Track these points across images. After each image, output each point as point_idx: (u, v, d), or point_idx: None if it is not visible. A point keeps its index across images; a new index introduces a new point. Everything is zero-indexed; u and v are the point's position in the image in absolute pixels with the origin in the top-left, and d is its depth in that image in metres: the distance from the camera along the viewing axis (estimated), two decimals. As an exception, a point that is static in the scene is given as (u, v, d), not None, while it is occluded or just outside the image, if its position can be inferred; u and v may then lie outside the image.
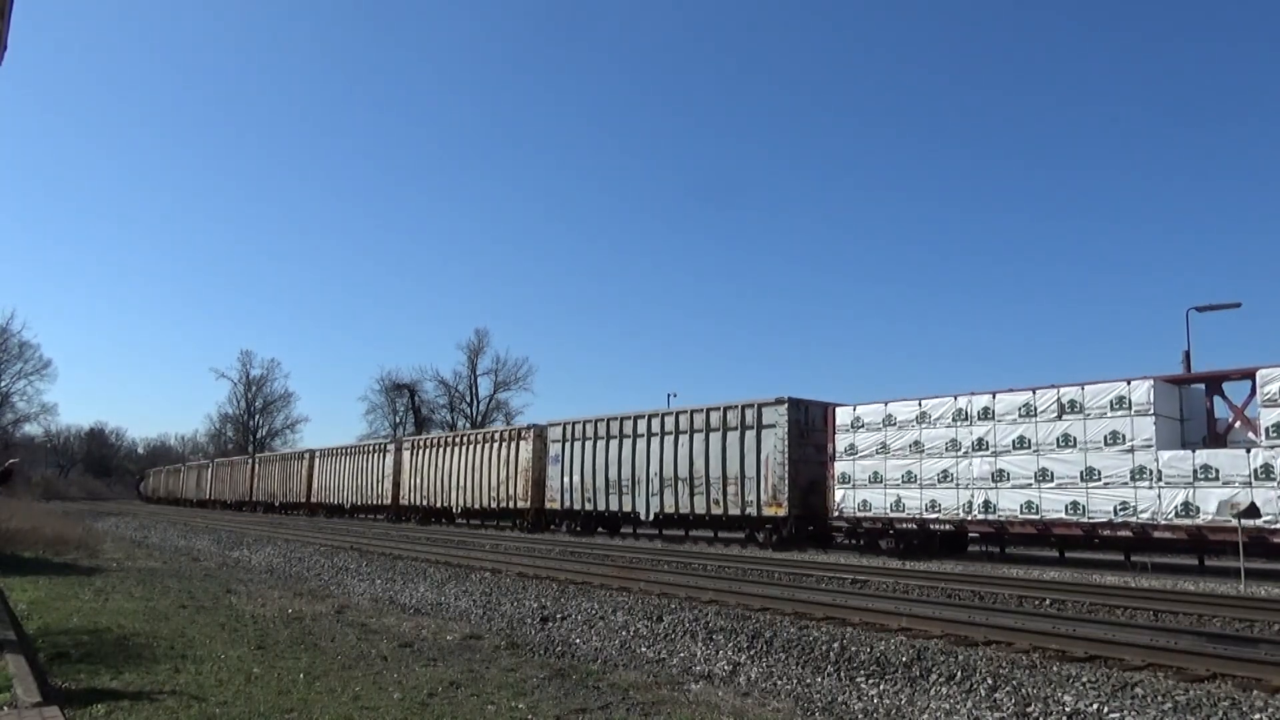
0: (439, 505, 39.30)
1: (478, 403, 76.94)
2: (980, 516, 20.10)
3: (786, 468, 24.20)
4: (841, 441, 23.16)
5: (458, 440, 39.12)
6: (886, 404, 22.32)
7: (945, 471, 20.85)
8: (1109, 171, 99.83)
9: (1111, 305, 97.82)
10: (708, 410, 26.76)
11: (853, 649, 8.55)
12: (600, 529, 31.47)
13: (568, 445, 31.95)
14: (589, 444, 31.05)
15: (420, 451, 41.58)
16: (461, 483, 37.57)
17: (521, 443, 34.48)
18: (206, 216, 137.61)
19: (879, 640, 8.94)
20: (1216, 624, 10.49)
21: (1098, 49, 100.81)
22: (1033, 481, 19.22)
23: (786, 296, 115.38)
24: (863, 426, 22.73)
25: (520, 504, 33.84)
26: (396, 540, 25.85)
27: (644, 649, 9.43)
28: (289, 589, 14.63)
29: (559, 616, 11.24)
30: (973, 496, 20.25)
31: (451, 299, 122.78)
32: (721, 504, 25.80)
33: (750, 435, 25.33)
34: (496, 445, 35.88)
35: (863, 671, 7.90)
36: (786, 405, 24.57)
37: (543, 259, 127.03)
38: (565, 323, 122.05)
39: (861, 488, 22.52)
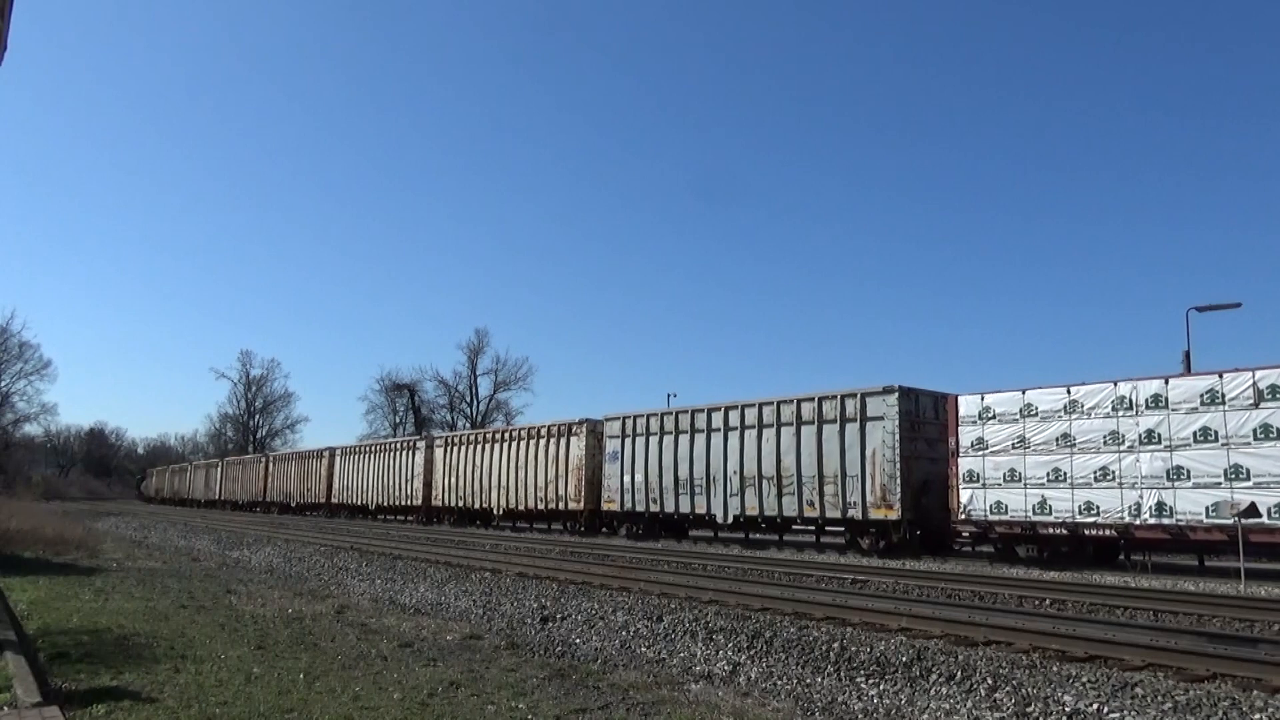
0: (477, 506, 36.48)
1: (478, 403, 77.00)
2: (1152, 520, 17.53)
3: (897, 465, 21.53)
4: (967, 435, 20.51)
5: (499, 436, 36.25)
6: (1024, 392, 19.87)
7: (1104, 469, 18.34)
8: (1109, 172, 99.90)
9: (1111, 305, 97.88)
10: (798, 401, 24.05)
11: (853, 649, 8.55)
12: (665, 532, 28.53)
13: (628, 441, 29.24)
14: (654, 439, 28.34)
15: (455, 449, 38.67)
16: (504, 482, 34.86)
17: (573, 439, 31.78)
18: (207, 216, 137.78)
19: (879, 640, 8.94)
20: (1216, 624, 10.49)
21: (1097, 49, 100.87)
22: (1221, 480, 16.78)
23: (787, 296, 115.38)
24: (994, 418, 20.14)
25: (572, 505, 31.29)
26: (396, 540, 25.85)
27: (644, 649, 9.43)
28: (289, 589, 14.63)
29: (559, 616, 11.24)
30: (1141, 497, 17.76)
31: (451, 299, 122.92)
32: (817, 506, 23.08)
33: (853, 429, 22.64)
34: (544, 441, 33.04)
35: (863, 671, 7.90)
36: (897, 395, 21.84)
37: (543, 259, 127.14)
38: (565, 323, 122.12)
39: (994, 487, 19.87)
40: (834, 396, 23.23)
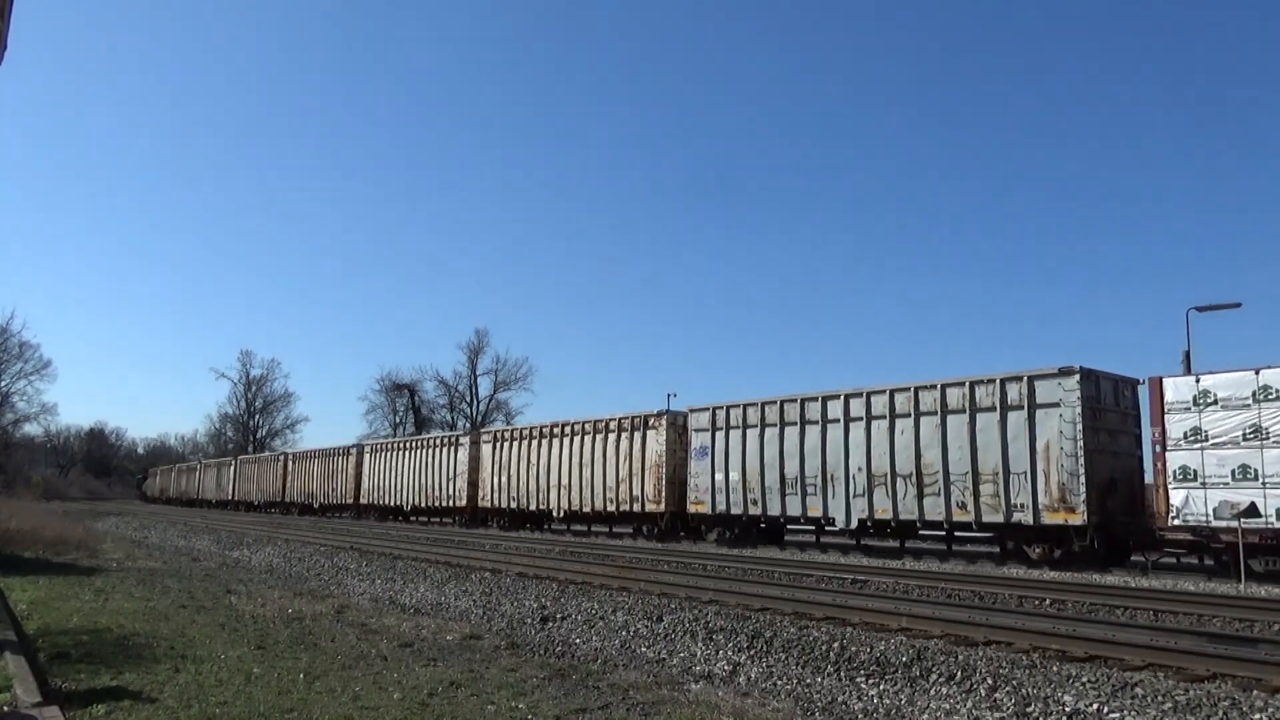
0: (533, 508, 33.09)
1: (478, 403, 76.99)
2: None
3: (1080, 460, 18.28)
4: (1178, 424, 17.46)
5: (560, 430, 32.50)
6: (1259, 372, 16.79)
7: None
8: (1109, 172, 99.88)
9: (1111, 305, 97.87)
10: (942, 386, 20.86)
11: (853, 649, 8.55)
12: (763, 538, 25.40)
13: (719, 435, 25.86)
14: (752, 432, 24.91)
15: (506, 445, 35.07)
16: (566, 480, 31.40)
17: (650, 432, 28.31)
18: (206, 217, 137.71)
19: (879, 640, 8.94)
20: (1216, 624, 10.49)
21: (1097, 49, 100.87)
22: None
23: (786, 297, 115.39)
24: (1215, 403, 17.13)
25: (650, 506, 27.85)
26: (396, 540, 25.85)
27: (644, 649, 9.43)
28: (289, 589, 14.63)
29: (559, 616, 11.24)
30: None
31: (451, 299, 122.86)
32: (970, 508, 19.84)
33: (1017, 418, 19.37)
34: (615, 435, 29.57)
35: (863, 671, 7.90)
36: (1078, 378, 18.59)
37: (543, 259, 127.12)
38: (565, 323, 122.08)
39: (1218, 487, 16.79)
40: (990, 380, 20.00)
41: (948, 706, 6.90)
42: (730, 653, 8.91)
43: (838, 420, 22.94)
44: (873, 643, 8.79)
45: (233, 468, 65.36)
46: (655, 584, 13.97)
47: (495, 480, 35.54)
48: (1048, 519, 18.68)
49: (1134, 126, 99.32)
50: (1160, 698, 6.60)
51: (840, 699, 7.28)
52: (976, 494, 19.87)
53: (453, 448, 38.85)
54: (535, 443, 33.57)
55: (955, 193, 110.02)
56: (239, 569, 18.68)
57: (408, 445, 43.22)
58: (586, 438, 30.95)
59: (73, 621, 10.17)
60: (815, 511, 23.21)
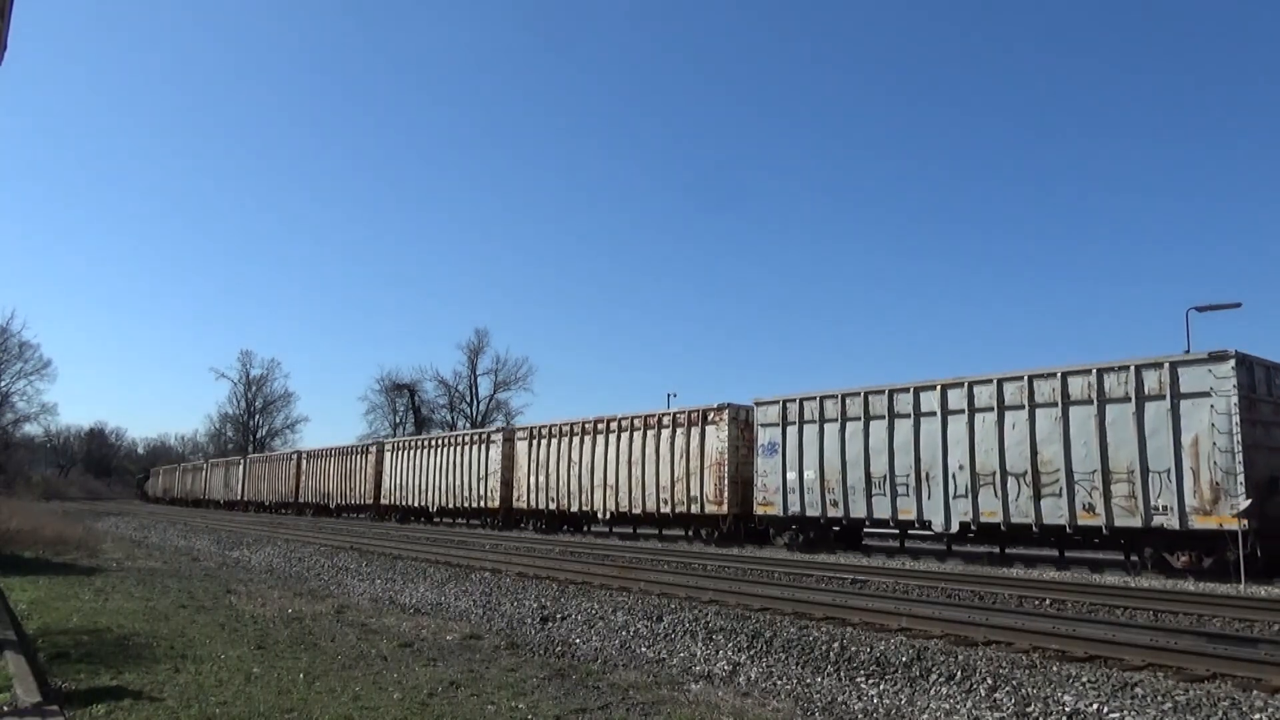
0: (575, 509, 31.18)
1: (478, 403, 77.00)
2: None
3: (1237, 458, 16.27)
4: None
5: (606, 427, 30.24)
6: None
7: None
8: (1108, 172, 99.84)
9: (1112, 305, 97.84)
10: (1063, 374, 18.65)
11: (853, 649, 8.55)
12: (840, 542, 23.15)
13: (791, 430, 23.72)
14: (831, 427, 22.85)
15: (543, 442, 33.03)
16: (613, 480, 29.46)
17: (710, 428, 26.34)
18: (206, 217, 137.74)
19: (879, 640, 8.94)
20: (1216, 624, 10.49)
21: (1096, 50, 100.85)
22: None
23: (785, 297, 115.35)
24: None
25: (711, 508, 25.91)
26: (396, 540, 25.85)
27: (644, 649, 9.43)
28: (289, 589, 14.63)
29: (559, 616, 11.24)
30: None
31: (451, 299, 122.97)
32: (1099, 510, 17.73)
33: (1156, 409, 17.36)
34: (669, 431, 27.49)
35: (863, 671, 7.90)
36: (1233, 364, 16.59)
37: (542, 259, 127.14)
38: (565, 323, 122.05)
39: None
40: (1123, 368, 17.87)
41: (948, 706, 6.90)
42: (730, 653, 8.91)
43: (933, 413, 20.71)
44: (873, 643, 8.79)
45: (241, 467, 63.46)
46: (655, 584, 13.97)
47: (532, 480, 33.38)
48: (1197, 523, 16.62)
49: (1134, 125, 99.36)
50: (1160, 698, 6.60)
51: (840, 699, 7.28)
52: (1107, 495, 17.75)
53: (484, 445, 36.67)
54: (577, 439, 31.37)
55: (955, 190, 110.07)
56: (239, 569, 18.68)
57: (434, 443, 40.85)
58: (637, 434, 28.75)
59: (73, 621, 10.17)
60: (908, 514, 21.02)
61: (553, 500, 32.33)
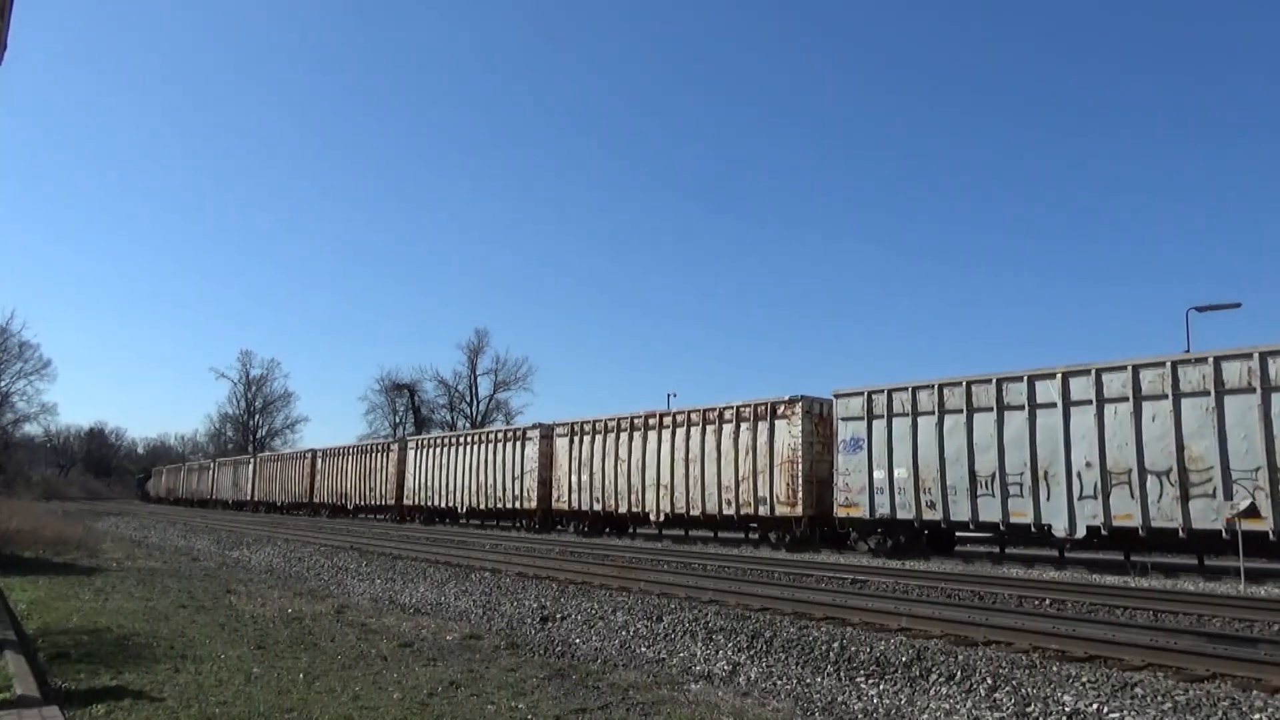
0: (624, 510, 29.06)
1: (478, 403, 77.04)
2: None
3: None
4: None
5: (660, 422, 28.02)
6: None
7: None
8: (1109, 171, 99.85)
9: (1111, 305, 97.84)
10: (1215, 359, 16.64)
11: (853, 649, 8.55)
12: (933, 547, 21.19)
13: (878, 424, 21.66)
14: (926, 420, 20.81)
15: (587, 439, 30.81)
16: (668, 479, 27.27)
17: (781, 422, 24.05)
18: (206, 217, 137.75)
19: (879, 640, 8.94)
20: (1216, 624, 10.49)
21: (1097, 50, 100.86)
22: None
23: (785, 297, 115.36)
24: None
25: (782, 510, 23.69)
26: (396, 540, 25.85)
27: (644, 649, 9.43)
28: (289, 589, 14.63)
29: (559, 616, 11.25)
30: None
31: (451, 299, 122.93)
32: (1266, 513, 15.80)
33: None
34: (733, 426, 25.32)
35: (863, 671, 7.90)
36: None
37: (542, 259, 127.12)
38: (565, 323, 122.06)
39: None
40: None
41: (947, 706, 6.90)
42: (730, 653, 8.91)
43: (1052, 404, 18.59)
44: (873, 643, 8.79)
45: (251, 466, 61.37)
46: (655, 584, 13.98)
47: (574, 479, 31.16)
48: None
49: (1134, 124, 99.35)
50: (1160, 698, 6.60)
51: (840, 699, 7.28)
52: (1276, 497, 15.75)
53: (519, 442, 34.49)
54: (625, 435, 29.08)
55: (954, 190, 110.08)
56: (239, 569, 18.68)
57: (463, 441, 38.65)
58: (695, 429, 26.60)
59: (73, 621, 10.18)
60: (1021, 516, 18.85)
61: (597, 500, 30.10)
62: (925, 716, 6.80)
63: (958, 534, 21.55)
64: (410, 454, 42.01)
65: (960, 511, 19.96)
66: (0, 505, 31.20)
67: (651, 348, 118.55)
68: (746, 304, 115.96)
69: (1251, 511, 15.73)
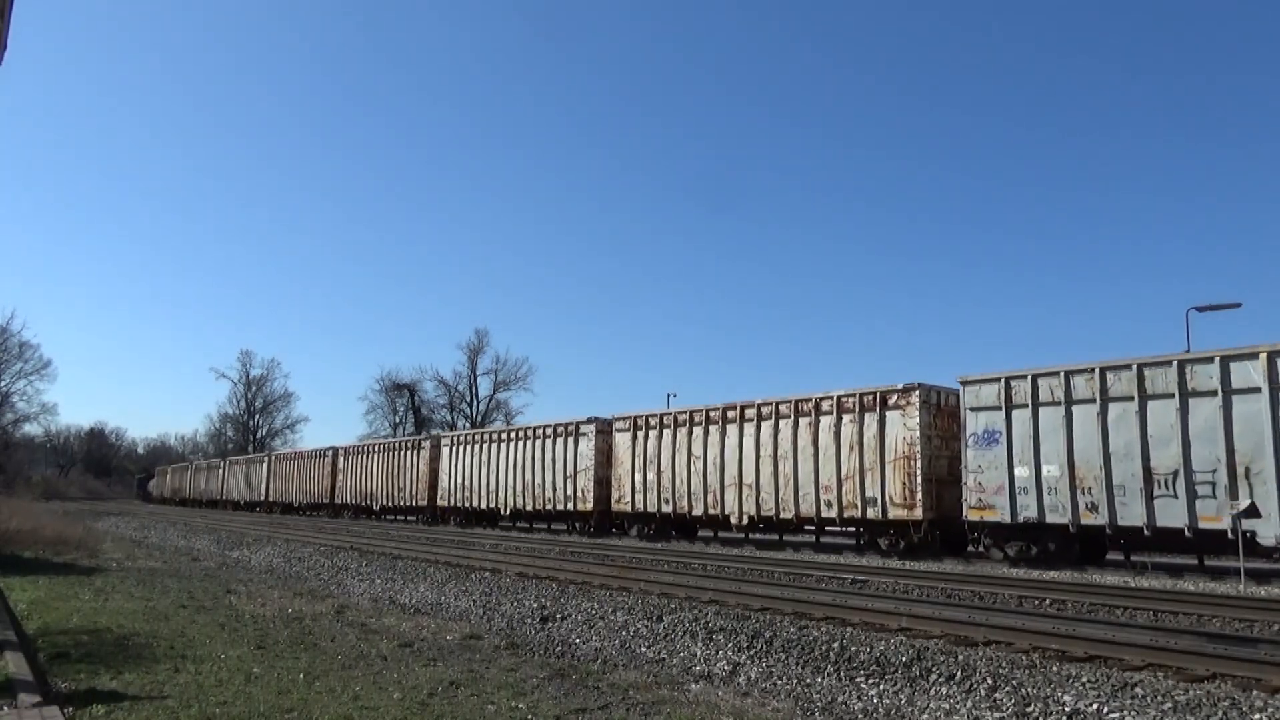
0: (698, 513, 26.26)
1: (478, 403, 77.06)
2: None
3: None
4: None
5: (739, 415, 25.24)
6: None
7: None
8: (1109, 171, 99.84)
9: (1112, 305, 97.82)
10: None
11: (853, 649, 8.55)
12: (1079, 556, 18.56)
13: (1021, 413, 18.99)
14: (1085, 410, 18.08)
15: (653, 433, 28.10)
16: (750, 478, 24.54)
17: (892, 413, 21.56)
18: (206, 217, 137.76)
19: (879, 640, 8.94)
20: (1216, 624, 10.49)
21: (1097, 50, 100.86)
22: None
23: (785, 298, 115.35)
24: None
25: (896, 512, 21.18)
26: (397, 540, 25.85)
27: (644, 649, 9.43)
28: (289, 589, 14.63)
29: (559, 616, 11.25)
30: None
31: (451, 299, 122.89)
32: None
33: None
34: (834, 419, 22.68)
35: (863, 671, 7.90)
36: None
37: (542, 260, 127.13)
38: (565, 323, 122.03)
39: None
40: None
41: (948, 706, 6.90)
42: (730, 653, 8.91)
43: (1254, 389, 16.04)
44: (873, 643, 8.79)
45: (266, 465, 59.04)
46: (655, 584, 13.97)
47: (637, 478, 28.40)
48: None
49: (1134, 124, 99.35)
50: (1160, 698, 6.60)
51: (840, 699, 7.28)
52: None
53: (572, 438, 31.76)
54: (701, 430, 26.35)
55: (954, 189, 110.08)
56: (239, 569, 18.68)
57: (507, 436, 35.81)
58: (785, 422, 23.86)
59: (73, 621, 10.17)
60: (1213, 521, 16.30)
61: (666, 502, 27.29)
62: (925, 716, 6.80)
63: (1119, 541, 18.60)
64: (445, 451, 39.38)
65: (1131, 515, 17.33)
66: (0, 505, 31.21)
67: (651, 348, 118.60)
68: (746, 304, 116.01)
69: (1251, 512, 15.71)
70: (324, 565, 18.49)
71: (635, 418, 29.08)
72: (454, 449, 38.75)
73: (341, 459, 49.36)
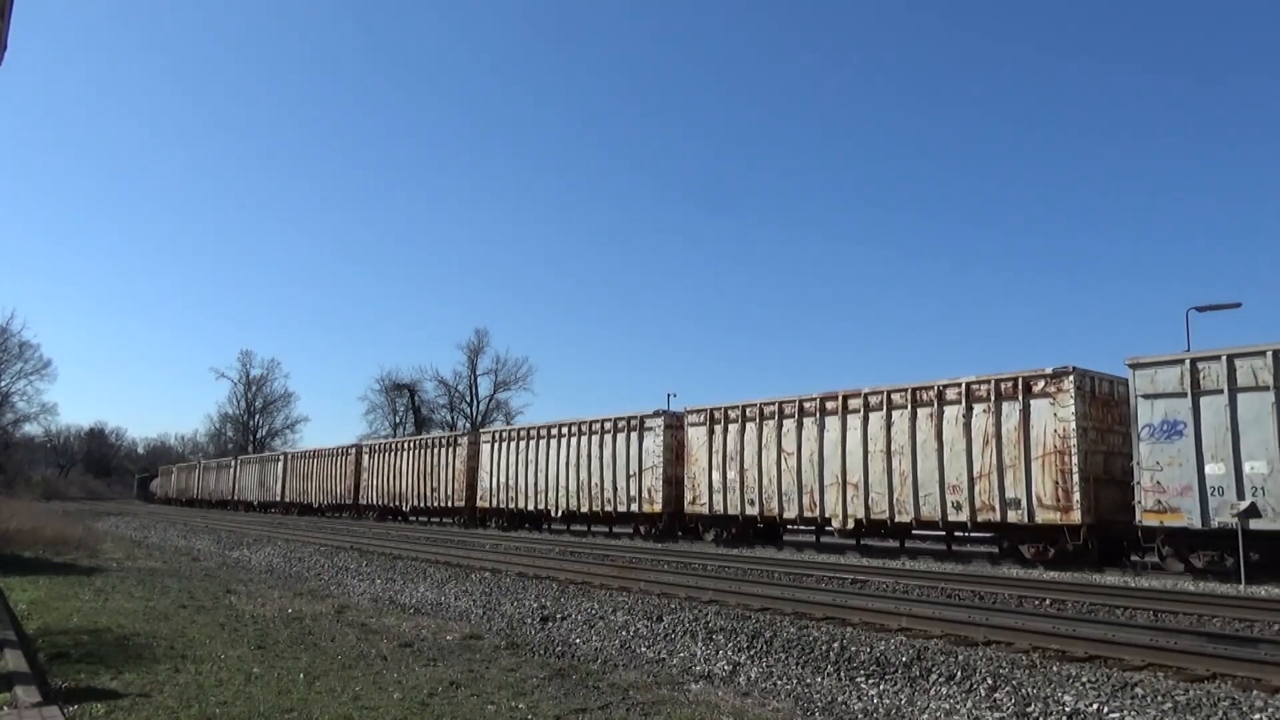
0: (791, 514, 23.76)
1: (478, 403, 77.05)
2: None
3: None
4: None
5: (835, 406, 22.74)
6: None
7: None
8: (1109, 171, 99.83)
9: (1112, 305, 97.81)
10: None
11: (853, 649, 8.55)
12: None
13: (1210, 401, 16.40)
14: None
15: (728, 428, 25.74)
16: (856, 477, 22.05)
17: (1039, 402, 18.83)
18: (206, 217, 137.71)
19: (879, 640, 8.94)
20: (1216, 624, 10.49)
21: (1097, 49, 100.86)
22: None
23: (785, 298, 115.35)
24: None
25: (1045, 515, 18.48)
26: (397, 540, 25.85)
27: (644, 649, 9.43)
28: (289, 589, 14.63)
29: (559, 616, 11.25)
30: None
31: (451, 299, 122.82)
32: None
33: None
34: (959, 409, 20.06)
35: (863, 671, 7.90)
36: None
37: (542, 260, 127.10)
38: (565, 323, 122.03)
39: None
40: None
41: (948, 706, 6.90)
42: (730, 653, 8.91)
43: None
44: (873, 643, 8.79)
45: (282, 464, 56.56)
46: (655, 584, 13.98)
47: (715, 476, 25.94)
48: None
49: (1134, 124, 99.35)
50: (1160, 698, 6.60)
51: (840, 699, 7.28)
52: None
53: (636, 433, 28.95)
54: (793, 422, 23.82)
55: (953, 188, 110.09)
56: (239, 569, 18.68)
57: (559, 432, 32.82)
58: (899, 413, 21.22)
59: (73, 621, 10.17)
60: None
61: (751, 503, 24.77)
62: (925, 716, 6.80)
63: None
64: (485, 448, 36.59)
65: None
66: (0, 505, 31.21)
67: (651, 348, 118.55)
68: (746, 304, 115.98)
69: (1252, 511, 15.72)
70: (324, 565, 18.49)
71: (712, 410, 26.43)
72: (496, 446, 35.96)
73: (366, 457, 46.79)
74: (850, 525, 22.17)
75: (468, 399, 77.46)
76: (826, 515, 22.66)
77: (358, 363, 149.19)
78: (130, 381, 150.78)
